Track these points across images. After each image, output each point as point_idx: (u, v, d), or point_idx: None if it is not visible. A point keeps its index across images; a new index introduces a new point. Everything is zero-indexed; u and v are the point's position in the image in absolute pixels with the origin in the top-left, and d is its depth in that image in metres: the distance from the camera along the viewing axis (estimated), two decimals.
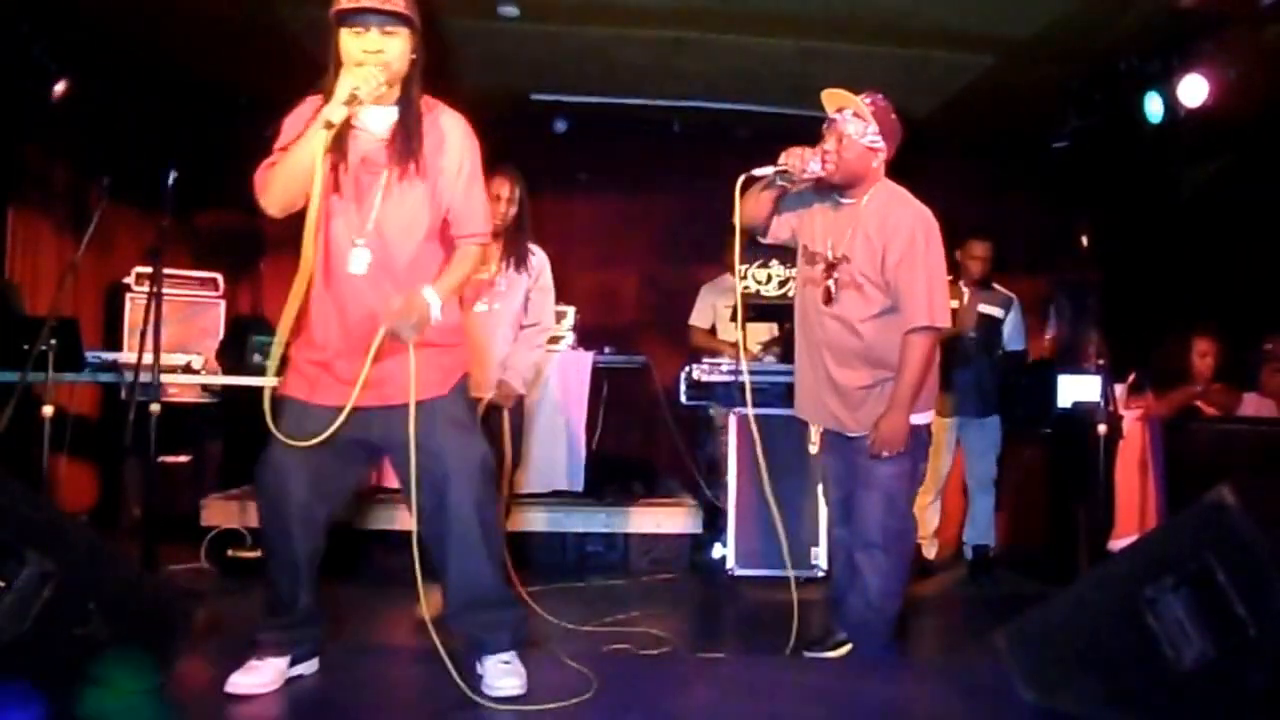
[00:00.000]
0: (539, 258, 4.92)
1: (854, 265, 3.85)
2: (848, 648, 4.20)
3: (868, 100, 3.83)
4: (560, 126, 7.06)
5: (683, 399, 6.17)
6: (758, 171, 3.87)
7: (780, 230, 4.15)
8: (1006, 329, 6.19)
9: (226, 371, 6.07)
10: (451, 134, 3.22)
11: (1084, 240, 5.50)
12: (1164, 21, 5.43)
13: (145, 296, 6.60)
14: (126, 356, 5.58)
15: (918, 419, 3.90)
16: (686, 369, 6.06)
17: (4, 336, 5.07)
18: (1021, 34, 5.69)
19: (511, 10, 5.59)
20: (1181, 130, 5.89)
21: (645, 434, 6.83)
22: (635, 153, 7.50)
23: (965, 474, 6.23)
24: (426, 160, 3.17)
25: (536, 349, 4.91)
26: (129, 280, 6.87)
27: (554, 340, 6.20)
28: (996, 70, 6.23)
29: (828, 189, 3.95)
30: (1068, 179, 7.25)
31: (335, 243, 3.16)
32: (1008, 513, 6.42)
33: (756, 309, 5.85)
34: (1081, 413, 5.88)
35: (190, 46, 6.22)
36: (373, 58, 3.03)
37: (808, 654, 4.25)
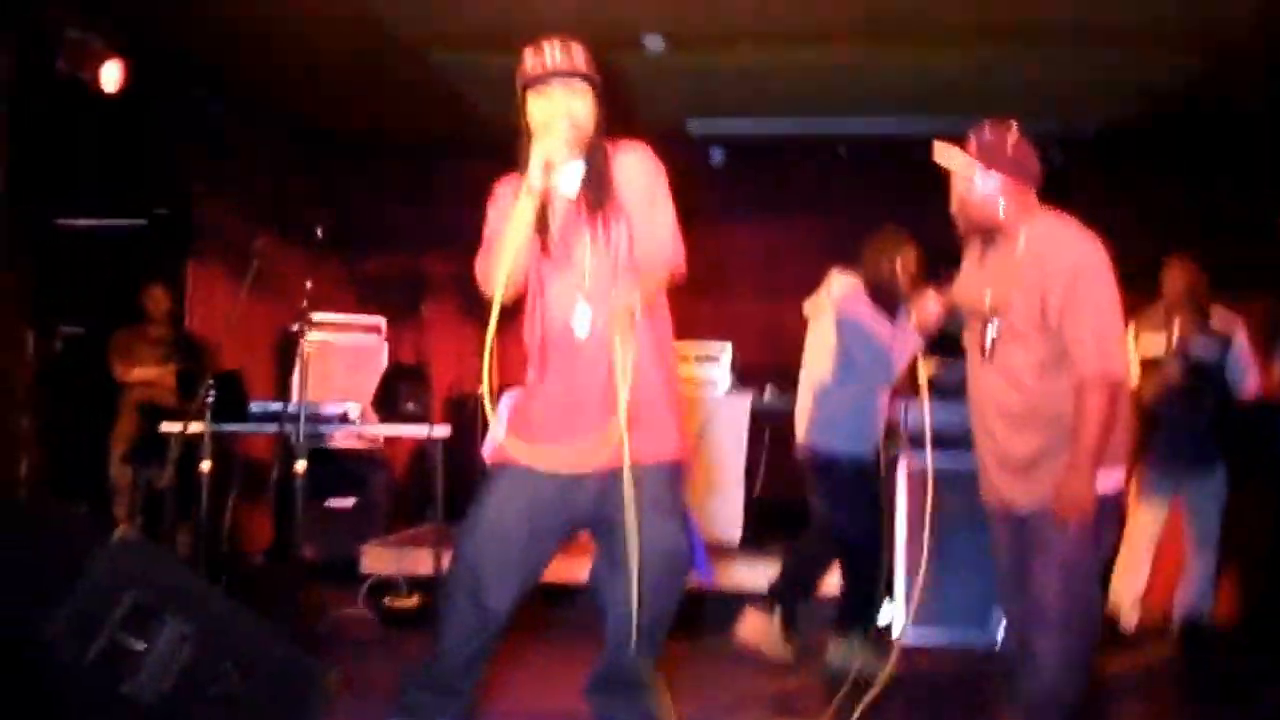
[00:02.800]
0: None
1: (1014, 314, 3.44)
2: None
3: (973, 136, 3.44)
4: (717, 157, 6.79)
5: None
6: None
7: (950, 315, 3.83)
8: (1230, 365, 5.41)
9: (382, 419, 6.02)
10: (639, 171, 3.12)
11: None
12: None
13: (313, 344, 6.76)
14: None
15: (1104, 479, 3.44)
16: None
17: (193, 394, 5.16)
18: (1234, 36, 5.14)
19: (657, 42, 5.36)
20: None
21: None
22: (799, 178, 7.18)
23: (1186, 531, 5.50)
24: (622, 207, 3.08)
25: None
26: (298, 327, 6.94)
27: (709, 382, 5.96)
28: (1205, 74, 5.66)
29: (976, 238, 3.60)
30: None
31: (554, 310, 3.09)
32: (1230, 577, 5.74)
33: (936, 342, 5.37)
34: None
35: (348, 95, 6.28)
36: (560, 120, 2.98)
37: None
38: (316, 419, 5.58)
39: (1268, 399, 6.22)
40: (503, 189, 3.16)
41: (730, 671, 4.77)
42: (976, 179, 3.43)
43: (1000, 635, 5.02)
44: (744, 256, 7.30)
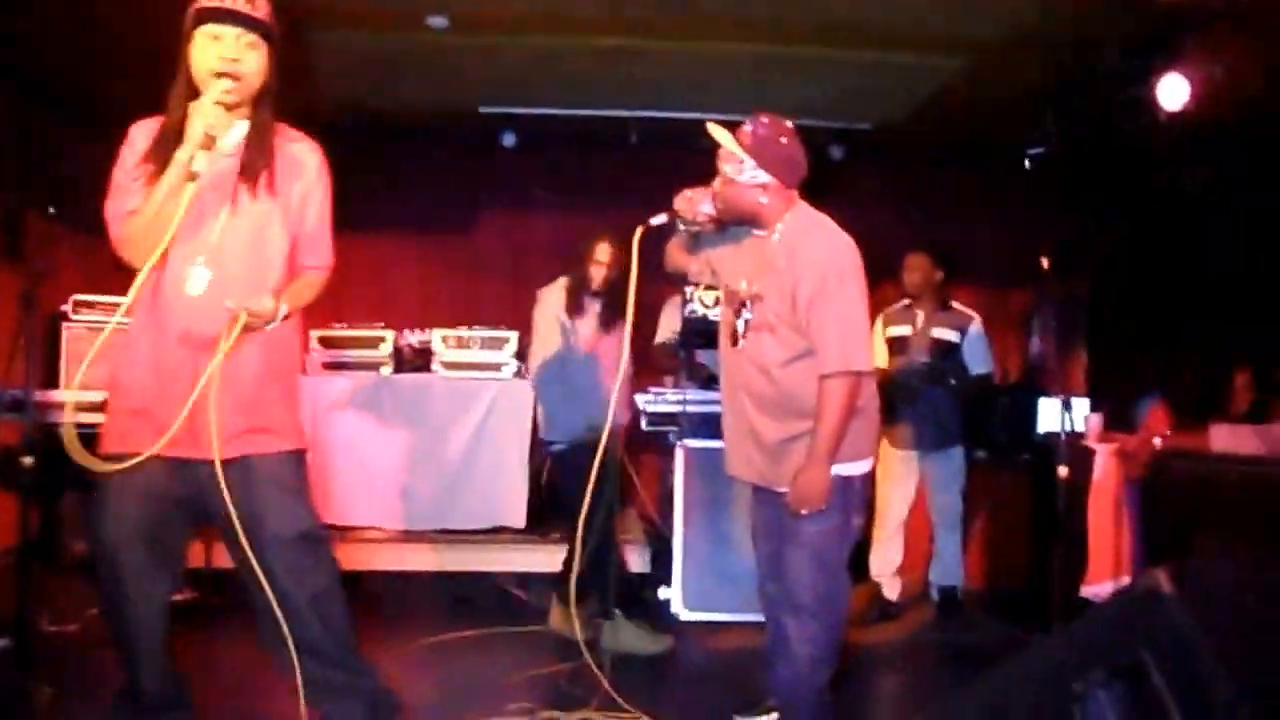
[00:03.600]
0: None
1: (766, 304, 3.48)
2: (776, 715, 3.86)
3: (749, 128, 3.47)
4: (509, 140, 6.69)
5: (642, 426, 5.81)
6: (654, 221, 3.61)
7: (702, 272, 3.85)
8: (966, 352, 5.73)
9: None
10: (306, 161, 3.07)
11: (1044, 262, 5.05)
12: (1144, 20, 5.06)
13: (82, 326, 6.37)
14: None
15: (848, 469, 3.52)
16: (641, 398, 5.72)
17: None
18: (993, 35, 5.30)
19: (441, 21, 5.24)
20: (1165, 133, 5.50)
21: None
22: (593, 166, 7.16)
23: (929, 509, 5.80)
24: (277, 183, 2.99)
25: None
26: (67, 308, 6.53)
27: (494, 367, 5.88)
28: (969, 73, 5.83)
29: (737, 224, 3.61)
30: (1047, 187, 6.85)
31: (170, 264, 2.91)
32: (983, 548, 6.01)
33: (705, 335, 5.45)
34: (1052, 445, 5.53)
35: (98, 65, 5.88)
36: (227, 66, 2.83)
37: (736, 718, 3.94)
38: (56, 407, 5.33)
39: (1019, 381, 6.56)
40: (139, 132, 2.98)
41: (508, 657, 4.73)
42: (745, 169, 3.45)
43: None
44: (538, 242, 7.23)
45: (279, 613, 2.91)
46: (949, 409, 5.61)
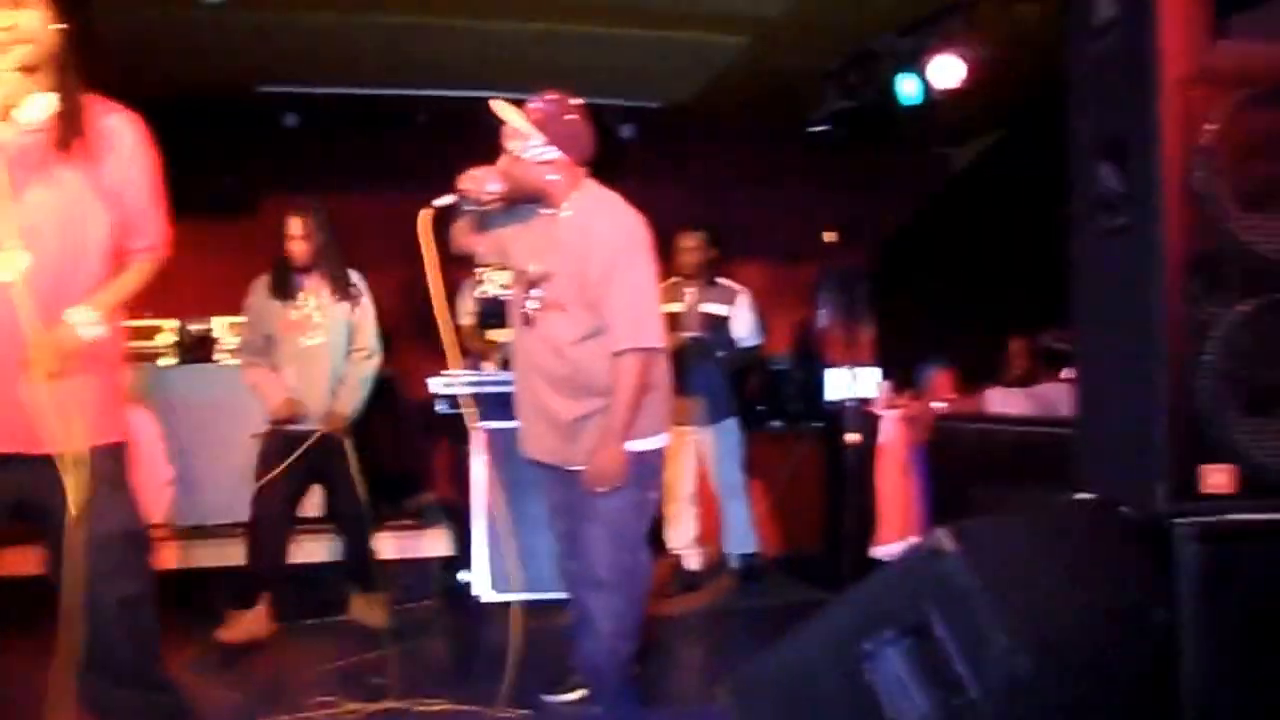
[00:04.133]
0: (359, 283, 5.08)
1: (556, 283, 3.48)
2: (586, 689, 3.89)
3: (535, 104, 3.46)
4: (291, 120, 6.50)
5: (438, 408, 5.73)
6: (438, 202, 3.54)
7: (490, 253, 3.81)
8: (736, 325, 5.88)
9: None
10: (123, 136, 2.85)
11: (828, 236, 5.21)
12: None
13: None
14: None
15: (644, 444, 3.56)
16: (438, 379, 5.64)
17: None
18: (772, 13, 5.42)
19: None
20: (940, 110, 5.72)
21: (396, 450, 6.34)
22: (379, 147, 7.00)
23: (711, 481, 5.91)
24: (94, 160, 2.78)
25: (367, 375, 5.14)
26: None
27: None
28: (752, 52, 5.94)
29: (525, 203, 3.58)
30: (831, 163, 7.05)
31: None
32: (780, 514, 6.16)
33: (498, 316, 5.42)
34: (845, 411, 5.72)
35: None
36: (8, 35, 2.63)
37: (545, 698, 3.96)
38: None
39: (807, 352, 6.76)
40: None
41: (311, 650, 4.67)
42: (531, 145, 3.42)
43: None
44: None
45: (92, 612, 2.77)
46: (720, 383, 5.73)
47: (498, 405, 5.38)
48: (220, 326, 5.77)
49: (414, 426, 6.06)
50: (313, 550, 5.50)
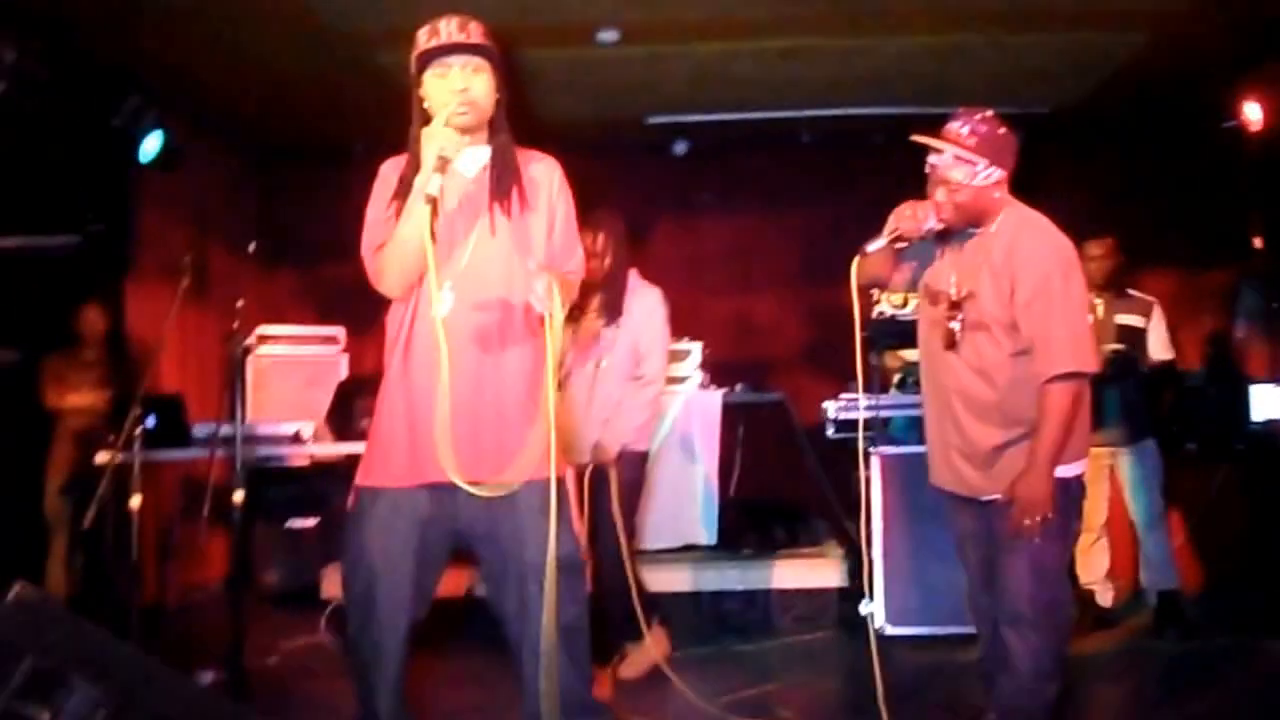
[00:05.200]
0: (649, 300, 4.60)
1: (981, 303, 3.32)
2: None
3: (965, 128, 3.32)
4: (680, 148, 6.65)
5: (829, 433, 5.66)
6: (871, 247, 3.42)
7: (902, 279, 3.70)
8: (1150, 339, 5.43)
9: (339, 435, 5.75)
10: (545, 179, 3.08)
11: (1257, 241, 4.74)
12: None
13: (267, 359, 6.52)
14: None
15: (1068, 470, 3.34)
16: (833, 403, 5.56)
17: None
18: (1174, 7, 5.01)
19: (611, 35, 5.21)
20: None
21: (788, 477, 6.29)
22: (763, 169, 7.03)
23: (1129, 509, 5.46)
24: (525, 208, 3.02)
25: (646, 407, 4.56)
26: (250, 341, 6.68)
27: (678, 380, 5.77)
28: (1149, 49, 5.54)
29: (964, 228, 3.45)
30: (1240, 163, 6.46)
31: (424, 290, 2.95)
32: (1197, 548, 5.66)
33: (895, 335, 5.27)
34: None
35: (296, 101, 6.09)
36: (458, 97, 2.88)
37: None
38: (264, 440, 5.37)
39: (1224, 368, 6.19)
40: (388, 169, 3.05)
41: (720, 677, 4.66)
42: (979, 169, 3.31)
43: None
44: (709, 250, 7.15)
45: (532, 645, 2.90)
46: (1138, 400, 5.31)
47: (896, 430, 5.31)
48: None
49: (803, 451, 5.97)
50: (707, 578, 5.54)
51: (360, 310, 7.10)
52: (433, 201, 2.76)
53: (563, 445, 3.06)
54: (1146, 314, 5.39)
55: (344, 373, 6.73)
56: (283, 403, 6.23)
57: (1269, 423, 5.30)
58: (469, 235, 2.95)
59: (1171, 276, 6.77)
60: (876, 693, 3.48)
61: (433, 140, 2.79)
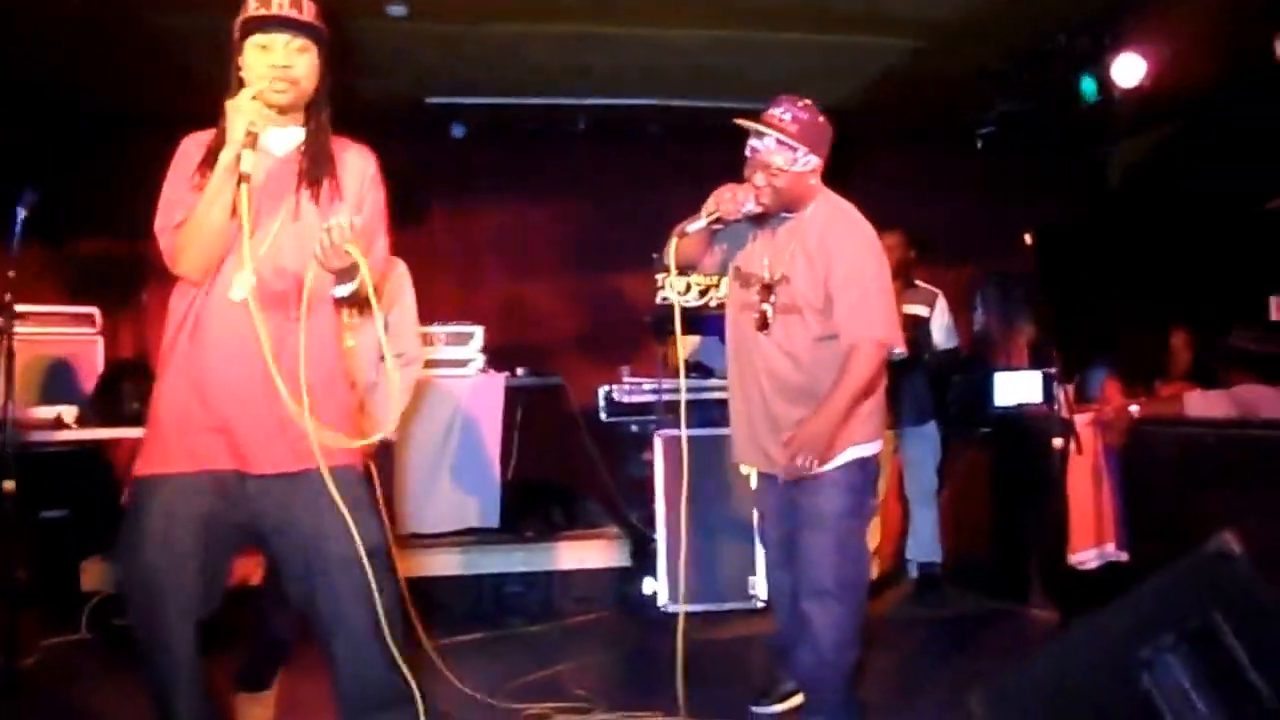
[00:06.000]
0: (395, 275, 4.20)
1: (794, 287, 3.47)
2: (797, 699, 3.85)
3: (788, 114, 3.45)
4: (458, 131, 6.58)
5: (602, 416, 5.78)
6: (690, 227, 3.49)
7: (714, 262, 3.80)
8: (934, 327, 5.80)
9: (104, 421, 5.43)
10: (358, 169, 2.95)
11: (1028, 238, 5.11)
12: None
13: (19, 339, 6.08)
14: None
15: (865, 450, 3.53)
16: (607, 388, 5.70)
17: None
18: (945, 15, 5.32)
19: (400, 9, 5.11)
20: (1116, 111, 5.59)
21: (564, 459, 6.36)
22: (541, 155, 7.03)
23: (905, 486, 5.85)
24: (335, 193, 2.88)
25: (408, 391, 4.22)
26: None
27: (460, 364, 5.75)
28: (920, 54, 5.85)
29: (780, 213, 3.57)
30: (998, 166, 6.94)
31: (222, 271, 2.80)
32: (948, 522, 6.06)
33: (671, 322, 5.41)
34: (1025, 416, 5.62)
35: (52, 60, 5.65)
36: (278, 73, 2.74)
37: (755, 709, 3.91)
38: (23, 426, 5.02)
39: (970, 356, 6.64)
40: (190, 145, 2.86)
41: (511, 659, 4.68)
42: (799, 156, 3.42)
43: (760, 597, 5.15)
44: (486, 237, 7.12)
45: (343, 636, 2.83)
46: (923, 383, 5.66)
47: (677, 413, 5.44)
48: None
49: (578, 434, 6.05)
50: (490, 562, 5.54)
51: (114, 290, 6.79)
52: (246, 179, 2.63)
53: (359, 429, 3.03)
54: (931, 304, 5.74)
55: (99, 356, 6.34)
56: (35, 386, 5.83)
57: (1016, 408, 5.69)
58: (273, 218, 2.81)
59: (955, 270, 7.15)
60: (677, 669, 3.53)
61: (240, 114, 2.65)
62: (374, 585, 2.78)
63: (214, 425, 2.77)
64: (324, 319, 2.90)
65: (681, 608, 3.64)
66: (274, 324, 2.76)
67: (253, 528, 2.86)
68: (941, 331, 5.82)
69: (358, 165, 2.95)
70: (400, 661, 2.87)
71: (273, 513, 2.81)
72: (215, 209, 2.67)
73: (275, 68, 2.74)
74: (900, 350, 3.49)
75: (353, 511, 2.76)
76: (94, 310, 6.31)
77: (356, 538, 2.74)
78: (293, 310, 2.79)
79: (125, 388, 5.39)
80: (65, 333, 6.18)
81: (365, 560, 2.76)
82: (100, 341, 6.29)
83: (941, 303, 5.81)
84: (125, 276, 6.81)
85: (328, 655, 2.87)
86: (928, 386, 5.71)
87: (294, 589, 2.88)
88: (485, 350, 5.87)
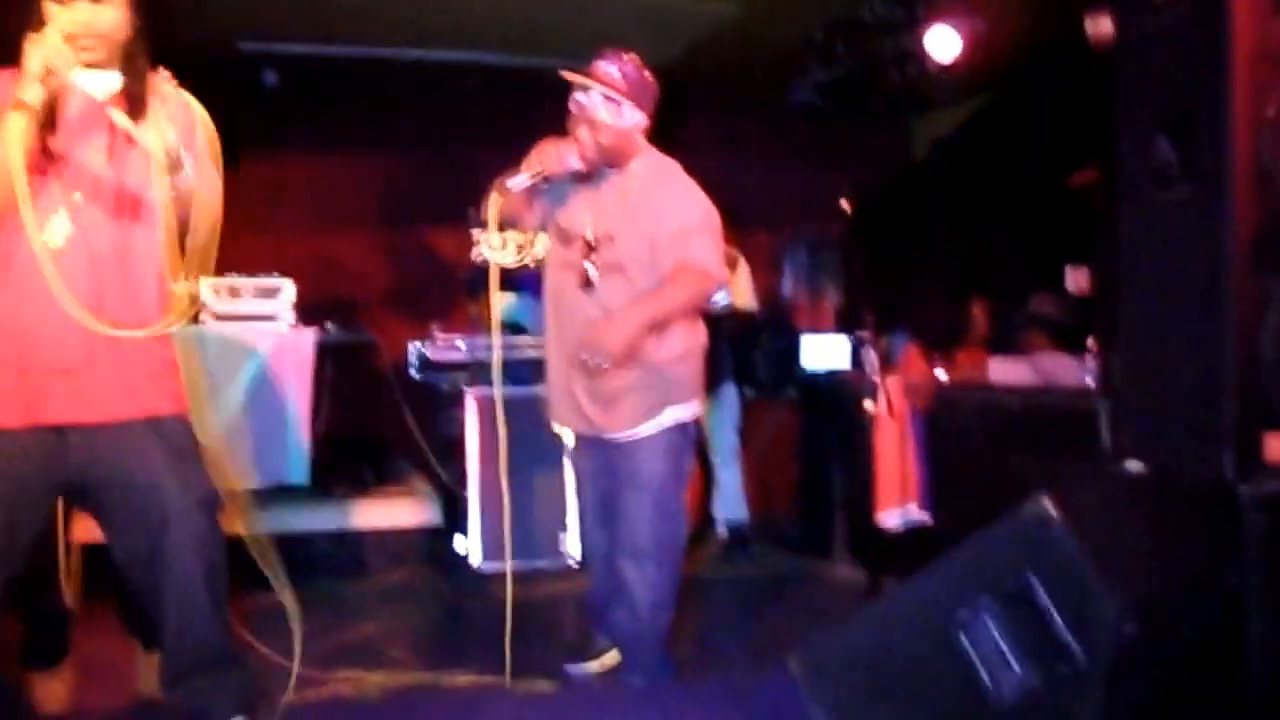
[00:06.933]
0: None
1: (619, 245, 3.43)
2: (611, 656, 3.87)
3: (614, 69, 3.41)
4: (270, 79, 6.30)
5: (413, 374, 5.66)
6: (511, 183, 3.43)
7: (534, 218, 3.74)
8: (735, 291, 5.85)
9: None
10: (182, 108, 2.81)
11: (845, 203, 5.22)
12: None
13: None
14: None
15: (683, 412, 3.56)
16: (419, 345, 5.57)
17: None
18: None
19: None
20: (928, 83, 5.74)
21: (375, 416, 6.21)
22: (353, 108, 6.80)
23: (706, 446, 5.91)
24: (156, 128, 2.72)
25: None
26: None
27: (267, 318, 5.53)
28: (739, 19, 5.86)
29: (604, 169, 3.53)
30: (810, 133, 7.06)
31: (29, 215, 2.60)
32: (753, 481, 6.17)
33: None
34: (834, 378, 5.75)
35: None
36: (82, 28, 2.58)
37: (568, 667, 3.90)
38: None
39: (778, 319, 6.77)
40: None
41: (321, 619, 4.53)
42: (625, 111, 3.38)
43: (571, 556, 5.15)
44: (297, 188, 6.86)
45: (172, 593, 2.73)
46: (721, 348, 5.71)
47: (489, 372, 5.36)
48: (205, 289, 5.47)
49: (389, 391, 5.92)
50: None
51: None
52: (27, 110, 2.49)
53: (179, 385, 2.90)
54: (732, 266, 5.77)
55: None
56: None
57: (826, 373, 5.83)
58: (87, 162, 2.69)
59: (731, 235, 7.23)
60: (505, 629, 3.52)
61: (39, 49, 2.50)
62: (209, 539, 2.74)
63: (34, 375, 2.64)
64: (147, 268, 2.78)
65: (508, 565, 3.56)
66: (93, 270, 2.67)
67: (74, 484, 2.74)
68: (744, 295, 5.88)
69: (179, 112, 2.80)
70: (230, 621, 2.84)
71: (98, 465, 2.71)
72: (8, 149, 2.50)
73: (78, 24, 2.59)
74: (722, 296, 3.48)
75: (185, 462, 2.73)
76: None
77: (194, 489, 2.72)
78: (98, 255, 2.69)
79: None
80: None
81: (200, 512, 2.73)
82: None
83: (742, 265, 5.87)
84: None
85: (155, 613, 2.79)
86: (725, 349, 5.76)
87: (122, 542, 2.77)
88: (295, 305, 5.65)
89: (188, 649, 2.80)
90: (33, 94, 2.47)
